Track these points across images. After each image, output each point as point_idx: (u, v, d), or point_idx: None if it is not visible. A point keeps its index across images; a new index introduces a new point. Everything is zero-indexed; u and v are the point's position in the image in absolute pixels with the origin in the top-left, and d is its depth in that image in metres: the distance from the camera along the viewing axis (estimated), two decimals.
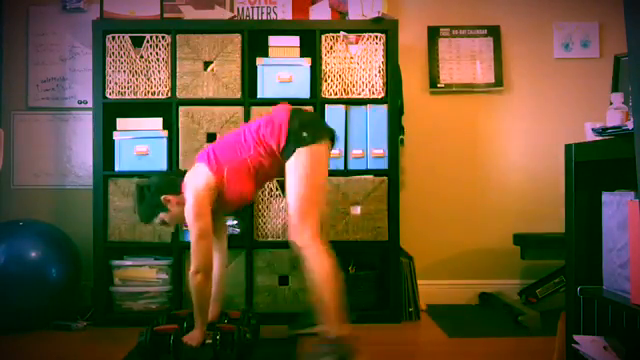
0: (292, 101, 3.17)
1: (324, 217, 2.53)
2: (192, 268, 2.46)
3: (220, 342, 2.39)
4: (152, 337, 2.42)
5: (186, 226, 2.70)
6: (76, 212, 3.58)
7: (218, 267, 2.75)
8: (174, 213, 2.60)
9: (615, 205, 1.94)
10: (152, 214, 2.62)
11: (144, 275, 3.20)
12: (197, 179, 2.54)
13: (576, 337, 2.04)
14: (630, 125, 1.80)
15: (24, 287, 2.93)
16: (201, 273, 2.45)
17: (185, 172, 2.66)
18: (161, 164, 3.20)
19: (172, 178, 2.70)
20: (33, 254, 3.00)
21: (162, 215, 2.61)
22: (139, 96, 3.23)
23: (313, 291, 2.46)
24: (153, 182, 2.65)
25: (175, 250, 3.19)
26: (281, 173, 2.60)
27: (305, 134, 2.47)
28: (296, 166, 2.46)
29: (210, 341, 2.43)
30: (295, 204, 2.45)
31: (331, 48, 3.24)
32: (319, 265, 2.41)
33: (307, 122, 2.54)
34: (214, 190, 2.53)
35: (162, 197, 2.58)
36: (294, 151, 2.46)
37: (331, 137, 2.61)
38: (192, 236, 2.48)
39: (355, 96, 3.24)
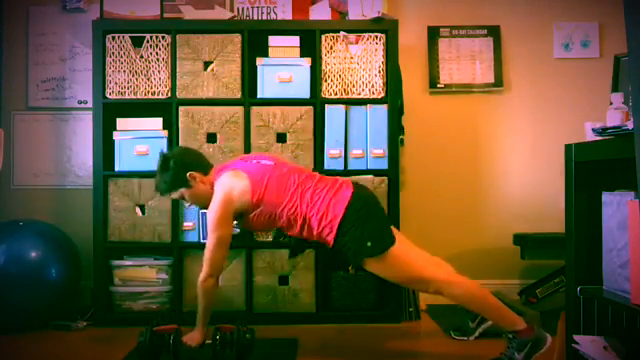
0: (292, 101, 3.19)
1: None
2: (204, 273, 2.44)
3: (220, 342, 2.38)
4: (152, 337, 2.41)
5: (204, 208, 2.62)
6: (76, 212, 3.58)
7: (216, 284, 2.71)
8: (196, 191, 2.55)
9: (615, 205, 1.94)
10: (172, 188, 2.55)
11: (144, 275, 3.20)
12: (237, 189, 2.45)
13: (576, 337, 2.04)
14: (630, 125, 1.79)
15: (24, 287, 2.93)
16: (213, 278, 2.45)
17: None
18: None
19: (199, 154, 2.64)
20: (33, 254, 3.00)
21: (183, 191, 2.55)
22: (139, 96, 3.22)
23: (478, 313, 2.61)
24: (180, 155, 2.58)
25: (175, 250, 3.19)
26: (307, 238, 2.55)
27: (370, 244, 2.39)
28: (385, 266, 2.43)
29: (210, 341, 2.42)
30: (406, 282, 2.57)
31: (331, 48, 3.24)
32: (457, 296, 2.45)
33: (370, 225, 2.42)
34: (241, 208, 2.47)
35: (188, 173, 2.52)
36: (362, 260, 2.41)
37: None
38: (210, 240, 2.44)
39: (355, 96, 3.24)
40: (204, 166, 2.59)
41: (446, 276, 2.45)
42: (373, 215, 2.48)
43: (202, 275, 2.46)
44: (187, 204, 2.71)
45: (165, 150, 2.92)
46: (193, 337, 2.49)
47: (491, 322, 2.57)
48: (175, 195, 2.59)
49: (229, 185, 2.48)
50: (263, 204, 2.47)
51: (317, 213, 2.43)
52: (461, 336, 2.86)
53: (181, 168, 2.52)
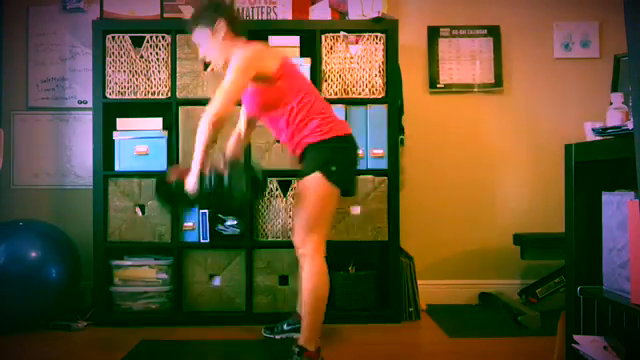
0: None
1: (328, 233, 2.55)
2: (211, 108, 2.35)
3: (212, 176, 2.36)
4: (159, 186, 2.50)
5: (209, 67, 2.65)
6: (76, 212, 3.58)
7: (246, 129, 2.78)
8: (217, 40, 2.52)
9: (615, 205, 1.94)
10: (196, 23, 2.54)
11: (144, 275, 3.20)
12: (272, 51, 2.52)
13: (576, 337, 2.04)
14: (630, 125, 1.79)
15: (24, 287, 2.93)
16: (220, 114, 2.35)
17: None
18: (161, 164, 3.20)
19: (243, 20, 2.67)
20: (33, 254, 3.00)
21: (202, 31, 2.53)
22: (139, 96, 3.23)
23: (302, 300, 2.49)
24: (225, 3, 2.58)
25: (175, 250, 3.19)
26: (282, 137, 2.58)
27: (334, 168, 2.44)
28: (313, 187, 2.44)
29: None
30: (303, 219, 2.48)
31: (331, 48, 3.24)
32: (313, 277, 2.44)
33: (346, 166, 2.52)
34: (261, 70, 2.43)
35: (218, 19, 2.51)
36: (313, 172, 2.44)
37: (351, 194, 2.63)
38: (227, 80, 2.37)
39: (355, 96, 3.24)
40: (238, 26, 2.56)
41: (322, 253, 2.46)
42: (351, 159, 2.58)
43: (211, 109, 2.34)
44: (200, 53, 2.62)
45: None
46: (188, 182, 2.41)
47: (301, 326, 2.49)
48: (196, 34, 2.55)
49: (264, 47, 2.53)
50: (281, 82, 2.47)
51: (318, 119, 2.48)
52: (270, 334, 2.92)
53: (215, 10, 2.53)
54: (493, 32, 3.70)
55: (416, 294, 3.28)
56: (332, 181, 2.44)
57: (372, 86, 3.24)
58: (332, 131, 2.48)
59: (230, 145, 2.78)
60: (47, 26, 3.66)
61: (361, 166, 3.22)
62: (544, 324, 3.02)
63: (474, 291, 3.65)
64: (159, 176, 2.55)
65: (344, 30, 3.24)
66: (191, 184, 2.39)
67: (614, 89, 2.94)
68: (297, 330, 2.60)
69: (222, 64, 2.54)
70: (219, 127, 2.38)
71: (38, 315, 3.06)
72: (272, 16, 3.41)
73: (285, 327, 2.92)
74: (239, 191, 2.35)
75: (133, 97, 3.23)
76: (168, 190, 2.48)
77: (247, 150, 3.18)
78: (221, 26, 2.52)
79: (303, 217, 2.50)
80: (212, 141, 2.42)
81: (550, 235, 3.29)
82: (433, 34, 3.71)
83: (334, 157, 2.46)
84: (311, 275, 2.44)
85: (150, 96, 3.23)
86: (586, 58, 3.70)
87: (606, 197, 2.00)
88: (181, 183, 2.42)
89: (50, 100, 3.67)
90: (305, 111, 2.49)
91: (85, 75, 3.62)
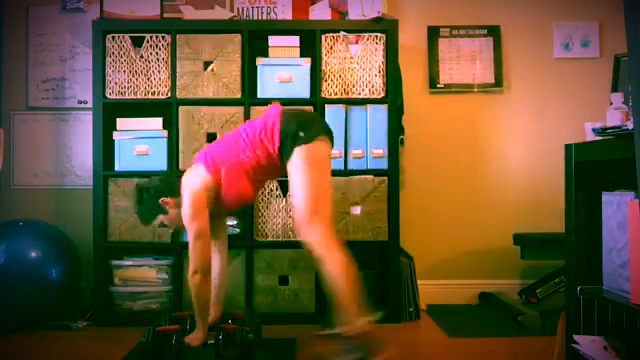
0: (292, 101, 3.19)
1: (332, 214, 2.50)
2: (190, 269, 2.47)
3: (222, 342, 2.39)
4: (154, 337, 2.41)
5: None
6: (76, 212, 3.58)
7: (219, 269, 2.75)
8: (172, 215, 2.61)
9: (615, 205, 1.94)
10: (151, 216, 2.64)
11: (144, 275, 3.20)
12: (194, 179, 2.55)
13: (576, 337, 2.04)
14: (630, 125, 1.79)
15: (24, 287, 2.93)
16: (199, 274, 2.46)
17: (184, 172, 2.66)
18: (161, 164, 3.20)
19: (172, 180, 2.70)
20: (33, 254, 3.00)
21: (161, 217, 2.62)
22: (139, 96, 3.23)
23: (330, 290, 2.39)
24: (152, 184, 2.65)
25: (175, 250, 3.19)
26: (280, 173, 2.61)
27: (302, 133, 2.46)
28: (298, 165, 2.44)
29: (212, 341, 2.43)
30: (302, 204, 2.41)
31: (331, 48, 3.24)
32: (333, 261, 2.36)
33: (303, 121, 2.53)
34: (212, 191, 2.54)
35: (160, 200, 2.59)
36: (292, 151, 2.45)
37: (330, 135, 2.59)
38: (189, 237, 2.49)
39: (355, 96, 3.24)
40: (175, 189, 2.62)
41: (333, 237, 2.40)
42: (305, 115, 2.65)
43: (189, 272, 2.49)
44: (170, 230, 2.78)
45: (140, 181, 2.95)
46: (195, 337, 2.50)
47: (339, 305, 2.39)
48: (156, 222, 2.65)
49: (188, 181, 2.57)
50: (223, 168, 2.53)
51: (262, 133, 2.52)
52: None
53: (154, 196, 2.60)
54: (493, 32, 3.70)
55: (416, 294, 3.28)
56: (309, 139, 2.44)
57: (372, 86, 3.24)
58: (275, 122, 2.51)
59: (215, 296, 2.72)
60: (47, 26, 3.66)
61: (361, 166, 3.23)
62: (544, 324, 3.02)
63: (474, 291, 3.65)
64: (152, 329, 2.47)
65: (344, 30, 3.24)
66: (197, 341, 2.48)
67: (614, 89, 2.95)
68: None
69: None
70: (207, 279, 2.51)
71: (38, 315, 3.06)
72: (272, 16, 3.41)
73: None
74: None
75: (133, 97, 3.23)
76: (161, 344, 2.44)
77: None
78: (166, 202, 2.60)
79: (301, 199, 2.42)
80: (208, 296, 2.53)
81: (550, 235, 3.29)
82: (433, 34, 3.71)
83: (290, 127, 2.47)
84: (333, 262, 2.35)
85: (150, 96, 3.23)
86: (586, 58, 3.70)
87: (606, 197, 2.00)
88: (179, 337, 2.42)
89: (50, 100, 3.67)
90: (250, 148, 2.53)
91: (85, 75, 3.62)
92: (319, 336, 2.71)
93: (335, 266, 2.36)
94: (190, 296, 3.15)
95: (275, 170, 2.61)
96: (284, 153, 2.49)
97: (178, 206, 2.59)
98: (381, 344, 2.31)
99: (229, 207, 2.66)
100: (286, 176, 2.98)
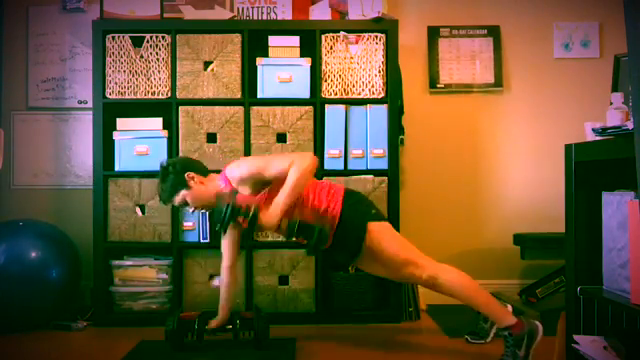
0: (292, 101, 3.19)
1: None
2: (305, 161, 2.47)
3: (240, 325, 2.63)
4: (179, 322, 2.60)
5: (206, 210, 2.73)
6: (76, 212, 3.58)
7: (230, 273, 2.75)
8: (197, 192, 2.59)
9: (615, 205, 1.94)
10: (173, 191, 2.60)
11: (144, 275, 3.20)
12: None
13: (576, 337, 2.04)
14: (630, 125, 1.80)
15: (24, 287, 2.93)
16: (316, 161, 2.53)
17: None
18: None
19: (199, 161, 2.73)
20: (33, 254, 3.00)
21: (184, 193, 2.59)
22: (139, 96, 3.23)
23: (466, 302, 2.55)
24: (178, 160, 2.68)
25: (175, 250, 3.19)
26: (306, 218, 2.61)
27: (374, 211, 2.63)
28: (385, 233, 2.57)
29: (230, 326, 2.65)
30: (401, 265, 2.54)
31: (331, 48, 3.24)
32: (452, 281, 2.49)
33: (369, 204, 2.71)
34: (258, 178, 2.55)
35: (186, 174, 2.58)
36: (365, 226, 2.54)
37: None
38: (285, 157, 2.55)
39: (355, 96, 3.24)
40: (202, 168, 2.66)
41: (437, 263, 2.55)
42: (369, 200, 2.78)
43: (306, 161, 2.49)
44: (190, 209, 2.72)
45: (165, 159, 2.99)
46: (215, 321, 2.65)
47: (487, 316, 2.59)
48: (177, 199, 2.62)
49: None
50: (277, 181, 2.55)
51: (324, 188, 2.62)
52: (478, 340, 2.83)
53: (179, 170, 2.59)
54: (493, 32, 3.70)
55: (416, 294, 3.28)
56: (382, 218, 2.65)
57: (372, 86, 3.24)
58: (339, 191, 2.64)
59: (222, 301, 2.74)
60: (47, 26, 3.66)
61: (361, 166, 3.23)
62: (544, 324, 3.02)
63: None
64: (231, 204, 2.45)
65: (344, 30, 3.24)
66: (272, 223, 2.46)
67: (614, 89, 2.94)
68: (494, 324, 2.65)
69: (212, 203, 2.57)
70: (314, 170, 2.55)
71: (38, 315, 3.06)
72: (272, 16, 3.41)
73: (486, 326, 2.86)
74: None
75: (133, 97, 3.23)
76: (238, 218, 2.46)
77: (246, 150, 3.18)
78: (191, 177, 2.59)
79: (396, 262, 2.55)
80: (305, 185, 2.54)
81: (550, 235, 3.29)
82: (433, 34, 3.71)
83: (363, 206, 2.65)
84: (452, 286, 2.49)
85: (150, 96, 3.23)
86: (586, 58, 3.70)
87: (606, 197, 2.00)
88: (255, 217, 2.42)
89: (50, 100, 3.67)
90: (308, 187, 2.61)
91: (85, 75, 3.62)
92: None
93: (458, 283, 2.50)
94: (191, 296, 3.17)
95: (307, 216, 2.64)
96: (347, 222, 2.57)
97: (204, 184, 2.59)
98: (533, 325, 2.40)
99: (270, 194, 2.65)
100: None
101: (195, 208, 2.67)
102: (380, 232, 2.56)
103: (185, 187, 2.59)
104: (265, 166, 2.52)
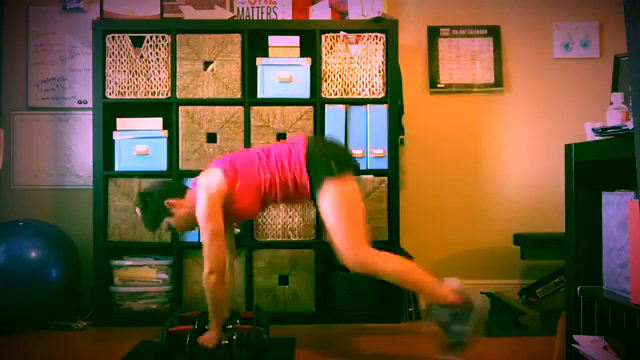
0: (292, 101, 3.19)
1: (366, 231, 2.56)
2: (206, 270, 2.46)
3: (236, 342, 2.39)
4: (168, 338, 2.40)
5: (194, 230, 2.71)
6: (76, 212, 3.58)
7: (227, 268, 2.74)
8: (179, 216, 2.60)
9: (615, 205, 1.94)
10: (157, 220, 2.62)
11: (144, 275, 3.20)
12: (211, 181, 2.55)
13: (576, 337, 2.04)
14: (630, 125, 1.80)
15: (24, 287, 2.93)
16: (215, 274, 2.46)
17: (185, 173, 2.66)
18: (161, 164, 3.20)
19: (174, 182, 2.72)
20: (33, 254, 3.00)
21: (167, 220, 2.61)
22: (139, 96, 3.23)
23: (407, 287, 2.56)
24: (154, 188, 2.66)
25: (175, 250, 3.19)
26: (297, 201, 2.68)
27: (333, 163, 2.50)
28: (331, 199, 2.48)
29: (226, 342, 2.43)
30: (339, 240, 2.47)
31: (331, 48, 3.24)
32: (386, 267, 2.45)
33: (332, 152, 2.58)
34: (224, 197, 2.54)
35: (165, 201, 2.58)
36: (322, 183, 2.47)
37: (356, 170, 2.63)
38: (204, 237, 2.48)
39: (355, 96, 3.24)
40: (179, 190, 2.64)
41: (364, 247, 2.47)
42: (333, 145, 2.71)
43: (204, 273, 2.47)
44: (178, 231, 2.77)
45: (138, 191, 3.00)
46: (208, 338, 2.48)
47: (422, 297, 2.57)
48: (163, 226, 2.64)
49: (205, 181, 2.57)
50: (239, 180, 2.55)
51: (285, 160, 2.56)
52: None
53: (158, 199, 2.59)
54: (493, 32, 3.70)
55: (416, 294, 3.27)
56: (341, 169, 2.49)
57: (372, 86, 3.24)
58: (300, 151, 2.55)
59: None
60: (47, 26, 3.66)
61: (361, 166, 3.23)
62: (544, 324, 3.02)
63: (474, 291, 3.64)
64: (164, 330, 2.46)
65: (344, 30, 3.24)
66: (211, 343, 2.45)
67: (614, 89, 2.94)
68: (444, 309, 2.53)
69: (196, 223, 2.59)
70: (221, 285, 2.50)
71: (38, 315, 3.06)
72: (272, 16, 3.41)
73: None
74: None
75: (133, 97, 3.23)
76: (175, 344, 2.43)
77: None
78: (172, 203, 2.58)
79: (339, 232, 2.48)
80: (222, 297, 2.52)
81: (550, 235, 3.30)
82: (433, 34, 3.71)
83: (322, 159, 2.51)
84: (385, 272, 2.44)
85: (150, 96, 3.23)
86: (586, 58, 3.70)
87: (606, 197, 2.00)
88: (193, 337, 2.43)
89: (50, 100, 3.67)
90: (270, 170, 2.56)
91: (85, 75, 3.62)
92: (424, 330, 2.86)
93: (390, 268, 2.45)
94: (191, 296, 3.17)
95: (294, 197, 2.64)
96: (312, 184, 2.51)
97: (184, 207, 2.59)
98: (469, 298, 2.41)
99: (232, 218, 2.66)
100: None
101: (181, 229, 2.72)
102: (333, 197, 2.47)
103: (167, 215, 2.60)
104: (200, 226, 2.52)
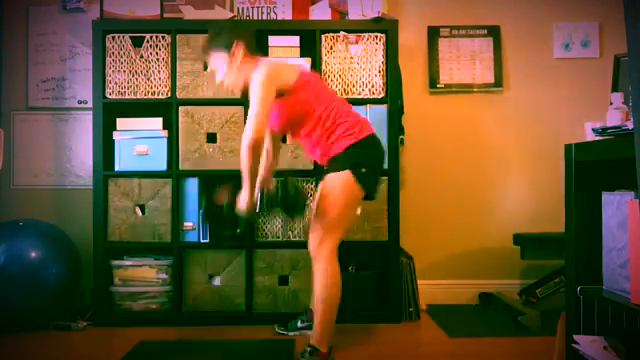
0: None
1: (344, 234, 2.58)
2: (248, 128, 2.39)
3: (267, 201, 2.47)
4: (209, 208, 2.53)
5: (237, 89, 2.62)
6: (76, 212, 3.58)
7: (272, 158, 2.77)
8: (234, 62, 2.53)
9: (615, 205, 1.94)
10: (216, 45, 2.55)
11: (144, 275, 3.20)
12: (285, 64, 2.57)
13: (576, 337, 2.04)
14: (630, 125, 1.80)
15: (24, 287, 2.93)
16: (256, 135, 2.39)
17: (185, 173, 2.64)
18: (161, 164, 3.20)
19: (252, 40, 2.69)
20: (33, 254, 3.00)
21: (223, 55, 2.53)
22: (139, 96, 3.23)
23: (315, 310, 2.52)
24: (238, 25, 2.67)
25: (175, 250, 3.19)
26: (310, 146, 2.63)
27: (364, 170, 2.49)
28: (335, 184, 2.48)
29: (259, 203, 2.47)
30: (323, 220, 2.48)
31: (331, 48, 3.24)
32: (325, 290, 2.46)
33: (375, 168, 2.59)
34: (281, 85, 2.48)
35: (236, 41, 2.53)
36: (342, 169, 2.47)
37: (372, 197, 2.64)
38: (254, 99, 2.42)
39: (355, 96, 3.24)
40: (252, 47, 2.61)
41: (335, 257, 2.49)
42: (379, 163, 2.65)
43: (246, 132, 2.39)
44: (218, 77, 2.63)
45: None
46: (242, 200, 2.47)
47: (313, 326, 2.53)
48: (214, 59, 2.57)
49: (279, 63, 2.58)
50: (303, 92, 2.51)
51: (346, 123, 2.54)
52: (284, 331, 2.96)
53: (232, 32, 2.57)
54: (493, 32, 3.70)
55: (416, 294, 3.28)
56: (360, 182, 2.48)
57: (372, 86, 3.24)
58: (361, 132, 2.53)
59: (261, 170, 2.65)
60: (47, 26, 3.66)
61: None
62: (544, 324, 3.02)
63: (474, 291, 3.65)
64: (207, 200, 2.51)
65: (344, 30, 3.24)
66: (244, 204, 2.45)
67: (614, 89, 2.94)
68: (310, 327, 2.64)
69: (242, 86, 2.55)
70: (259, 148, 2.45)
71: (38, 315, 3.06)
72: (272, 16, 3.41)
73: (299, 324, 2.94)
74: (303, 198, 2.51)
75: (133, 97, 3.23)
76: (218, 214, 2.48)
77: None
78: (238, 48, 2.53)
79: (323, 218, 2.49)
80: (256, 162, 2.46)
81: (550, 235, 3.29)
82: (433, 34, 3.71)
83: (365, 159, 2.51)
84: (323, 286, 2.47)
85: (150, 96, 3.23)
86: (586, 58, 3.71)
87: (606, 197, 2.00)
88: (230, 206, 2.44)
89: (50, 100, 3.67)
90: (332, 118, 2.53)
91: (85, 75, 3.62)
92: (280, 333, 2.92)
93: (326, 293, 2.46)
94: (191, 296, 3.17)
95: (310, 146, 2.61)
96: (334, 162, 2.51)
97: (243, 62, 2.53)
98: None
99: (276, 110, 2.59)
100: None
101: (223, 80, 2.62)
102: (333, 184, 2.48)
103: (227, 50, 2.53)
104: (252, 90, 2.46)
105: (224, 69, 2.56)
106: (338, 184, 2.48)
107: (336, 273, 2.48)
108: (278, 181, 2.51)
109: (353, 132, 2.52)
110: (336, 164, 2.52)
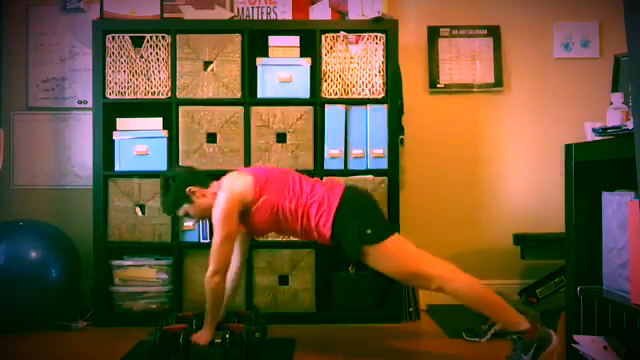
0: (292, 101, 3.19)
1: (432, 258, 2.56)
2: (211, 269, 2.45)
3: (229, 341, 2.38)
4: (162, 337, 2.40)
5: (208, 220, 2.68)
6: (76, 212, 3.58)
7: (236, 267, 2.73)
8: (198, 205, 2.58)
9: (615, 205, 1.95)
10: (176, 205, 2.59)
11: (144, 275, 3.20)
12: (238, 184, 2.54)
13: (576, 337, 2.04)
14: (630, 125, 1.80)
15: (24, 287, 2.93)
16: (220, 275, 2.45)
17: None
18: (161, 164, 3.20)
19: (199, 171, 2.70)
20: (33, 254, 3.00)
21: (186, 207, 2.58)
22: (139, 96, 3.23)
23: (480, 310, 2.51)
24: (179, 173, 2.63)
25: (175, 250, 3.19)
26: (305, 238, 2.62)
27: (370, 231, 2.45)
28: (380, 256, 2.46)
29: (219, 340, 2.42)
30: (412, 275, 2.49)
31: (331, 48, 3.24)
32: (458, 290, 2.44)
33: (372, 216, 2.52)
34: (244, 204, 2.52)
35: (187, 188, 2.56)
36: (359, 250, 2.44)
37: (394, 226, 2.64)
38: (216, 237, 2.46)
39: (355, 96, 3.24)
40: (203, 180, 2.62)
41: (448, 272, 2.46)
42: (371, 207, 2.57)
43: (208, 272, 2.45)
44: (193, 221, 2.74)
45: (165, 170, 3.01)
46: (202, 336, 2.48)
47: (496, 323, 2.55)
48: (180, 212, 2.62)
49: (231, 182, 2.56)
50: (266, 195, 2.52)
51: (316, 201, 2.51)
52: (473, 337, 2.85)
53: (180, 184, 2.57)
54: (493, 32, 3.70)
55: (416, 294, 3.28)
56: (379, 239, 2.44)
57: (372, 86, 3.24)
58: (333, 201, 2.49)
59: (227, 292, 2.65)
60: (47, 26, 3.66)
61: (361, 166, 3.23)
62: (544, 324, 3.01)
63: None
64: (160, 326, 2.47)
65: (344, 30, 3.24)
66: (203, 341, 2.45)
67: (614, 89, 2.95)
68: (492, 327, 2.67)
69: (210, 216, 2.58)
70: (221, 287, 2.48)
71: (38, 315, 3.06)
72: (272, 16, 3.41)
73: (484, 327, 2.88)
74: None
75: (133, 97, 3.23)
76: (173, 345, 2.43)
77: (246, 150, 3.18)
78: (192, 191, 2.56)
79: (410, 273, 2.48)
80: (220, 300, 2.51)
81: (550, 235, 3.30)
82: (433, 34, 3.71)
83: (360, 223, 2.46)
84: (471, 297, 2.44)
85: (150, 96, 3.23)
86: (586, 58, 3.70)
87: (606, 197, 2.01)
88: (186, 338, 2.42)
89: (50, 100, 3.67)
90: (301, 203, 2.52)
91: (85, 75, 3.62)
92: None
93: (461, 291, 2.44)
94: (191, 296, 3.17)
95: (304, 236, 2.61)
96: (341, 241, 2.48)
97: (205, 197, 2.57)
98: (547, 333, 2.31)
99: (247, 227, 2.64)
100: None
101: (197, 219, 2.70)
102: (376, 258, 2.46)
103: (187, 202, 2.58)
104: (214, 226, 2.49)
105: (193, 214, 2.63)
106: (382, 252, 2.45)
107: (464, 280, 2.44)
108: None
109: (323, 211, 2.48)
110: (345, 246, 2.49)
